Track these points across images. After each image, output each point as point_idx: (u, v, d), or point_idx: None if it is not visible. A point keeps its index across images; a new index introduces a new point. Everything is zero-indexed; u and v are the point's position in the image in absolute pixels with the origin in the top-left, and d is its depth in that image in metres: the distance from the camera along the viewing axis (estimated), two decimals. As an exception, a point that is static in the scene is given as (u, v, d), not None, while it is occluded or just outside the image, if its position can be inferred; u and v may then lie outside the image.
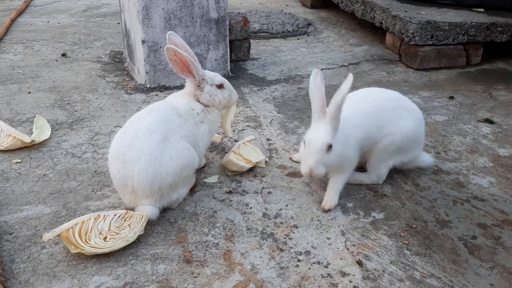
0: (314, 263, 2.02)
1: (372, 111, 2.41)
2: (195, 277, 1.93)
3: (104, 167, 2.64)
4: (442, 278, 1.96)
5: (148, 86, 3.78)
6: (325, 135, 2.15)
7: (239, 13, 4.63)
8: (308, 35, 5.49)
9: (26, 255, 2.02)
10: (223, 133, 3.04)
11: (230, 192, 2.50)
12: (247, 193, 2.50)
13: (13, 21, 5.54)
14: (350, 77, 2.13)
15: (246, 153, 2.70)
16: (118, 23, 5.64)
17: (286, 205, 2.41)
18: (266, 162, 2.77)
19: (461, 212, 2.40)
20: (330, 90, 3.90)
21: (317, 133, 2.17)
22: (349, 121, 2.31)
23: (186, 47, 2.49)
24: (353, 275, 1.96)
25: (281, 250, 2.09)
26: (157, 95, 3.69)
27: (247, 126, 3.24)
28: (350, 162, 2.38)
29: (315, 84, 2.22)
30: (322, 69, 4.38)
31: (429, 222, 2.31)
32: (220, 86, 2.55)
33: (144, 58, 3.69)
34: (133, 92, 3.73)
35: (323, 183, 2.59)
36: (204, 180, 2.60)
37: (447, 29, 4.33)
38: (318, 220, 2.29)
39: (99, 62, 4.39)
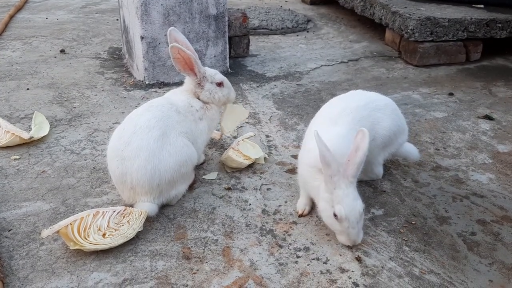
0: (313, 259, 2.02)
1: (357, 122, 2.30)
2: (194, 273, 1.93)
3: (103, 164, 2.64)
4: (441, 274, 1.96)
5: (147, 82, 3.77)
6: (359, 203, 1.99)
7: (238, 9, 4.61)
8: (307, 32, 5.47)
9: (25, 251, 2.02)
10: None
11: (229, 189, 2.50)
12: (246, 189, 2.50)
13: (11, 17, 5.53)
14: (366, 133, 1.97)
15: (245, 149, 2.70)
16: (117, 20, 5.63)
17: (285, 202, 2.40)
18: (265, 158, 2.77)
19: (460, 208, 2.40)
20: (329, 87, 3.91)
21: (352, 205, 1.96)
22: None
23: (187, 43, 2.48)
24: (352, 271, 1.96)
25: (280, 247, 2.09)
26: (156, 91, 3.68)
27: (246, 122, 3.23)
28: None
29: (323, 145, 1.94)
30: (321, 65, 4.38)
31: (428, 219, 2.31)
32: (220, 84, 2.54)
33: (143, 54, 3.68)
34: (132, 88, 3.72)
35: (322, 179, 2.59)
36: (203, 177, 2.60)
37: (446, 26, 4.32)
38: (317, 216, 2.29)
39: (98, 58, 4.38)
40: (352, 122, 2.30)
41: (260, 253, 2.05)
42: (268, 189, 2.50)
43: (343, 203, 1.96)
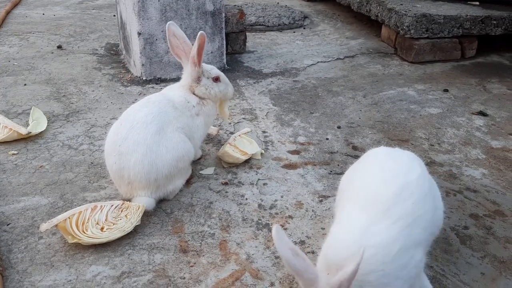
0: (309, 252, 2.05)
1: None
2: (191, 266, 1.96)
3: (100, 159, 2.66)
4: (434, 267, 1.99)
5: (144, 78, 3.79)
6: None
7: (235, 5, 4.63)
8: (304, 28, 5.49)
9: (23, 245, 2.04)
10: (219, 125, 3.06)
11: (226, 184, 2.52)
12: (243, 184, 2.53)
13: (8, 13, 5.52)
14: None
15: (242, 145, 2.72)
16: (114, 15, 5.63)
17: (282, 196, 2.43)
18: (261, 154, 2.79)
19: (453, 203, 2.44)
20: (326, 83, 3.93)
21: None
22: None
23: (185, 38, 2.49)
24: (347, 264, 1.99)
25: (276, 240, 2.12)
26: (153, 87, 3.69)
27: (243, 118, 3.25)
28: None
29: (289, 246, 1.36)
30: (317, 62, 4.40)
31: (422, 213, 2.34)
32: (217, 79, 2.56)
33: (140, 50, 3.69)
34: (129, 84, 3.74)
35: (318, 174, 2.62)
36: (200, 172, 2.62)
37: (442, 22, 4.34)
38: (312, 210, 2.32)
39: (95, 54, 4.38)
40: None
41: (256, 247, 2.08)
42: (264, 184, 2.53)
43: None
